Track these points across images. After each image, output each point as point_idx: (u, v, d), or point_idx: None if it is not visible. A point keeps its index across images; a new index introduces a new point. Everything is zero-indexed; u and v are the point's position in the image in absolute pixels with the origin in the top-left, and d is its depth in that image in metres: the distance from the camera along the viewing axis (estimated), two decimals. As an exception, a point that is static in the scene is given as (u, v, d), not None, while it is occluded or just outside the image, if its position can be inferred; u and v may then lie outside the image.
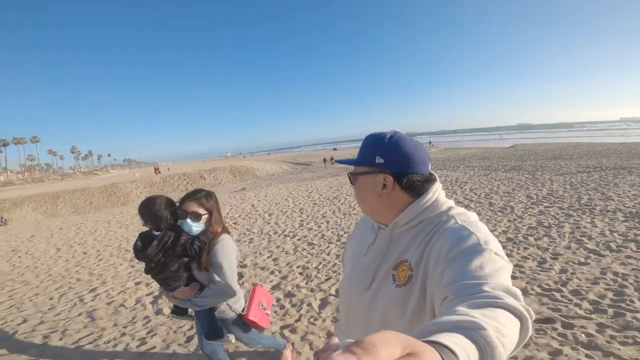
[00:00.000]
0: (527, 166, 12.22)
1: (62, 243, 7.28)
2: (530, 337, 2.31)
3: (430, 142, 55.75)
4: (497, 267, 0.59)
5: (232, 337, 1.88)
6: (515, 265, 3.45)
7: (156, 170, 41.31)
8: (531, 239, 4.20)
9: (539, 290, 2.94)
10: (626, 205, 5.30)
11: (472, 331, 0.40)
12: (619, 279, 2.97)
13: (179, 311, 1.85)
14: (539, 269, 3.35)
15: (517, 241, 4.17)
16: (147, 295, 3.86)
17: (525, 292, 2.92)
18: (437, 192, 0.80)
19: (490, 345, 0.39)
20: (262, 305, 1.94)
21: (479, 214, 5.48)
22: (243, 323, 1.86)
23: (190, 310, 1.83)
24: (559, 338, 2.30)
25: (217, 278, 1.63)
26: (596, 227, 4.39)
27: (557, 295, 2.83)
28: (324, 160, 37.04)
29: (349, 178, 0.87)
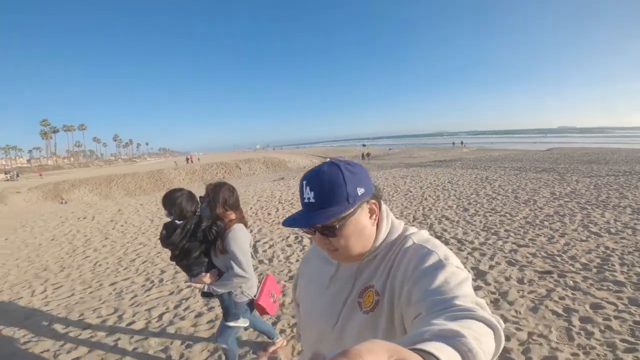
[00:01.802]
0: (559, 169, 12.61)
1: (152, 215, 8.72)
2: (533, 281, 3.30)
3: (462, 143, 55.02)
4: (460, 279, 0.62)
5: (246, 322, 2.07)
6: (529, 239, 4.40)
7: (188, 160, 43.94)
8: (546, 223, 5.10)
9: (544, 254, 3.90)
10: (638, 203, 5.99)
11: (454, 339, 0.41)
12: (608, 251, 3.86)
13: (206, 294, 2.03)
14: (548, 242, 4.28)
15: (534, 224, 5.09)
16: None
17: (534, 256, 3.88)
18: (390, 214, 0.82)
19: (472, 352, 0.40)
20: (271, 294, 2.15)
21: (504, 205, 6.40)
22: (251, 307, 2.06)
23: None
24: (554, 282, 3.27)
25: (232, 264, 1.85)
26: (604, 217, 5.20)
27: (558, 258, 3.77)
28: (362, 156, 37.82)
29: (328, 233, 0.74)
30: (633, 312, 2.68)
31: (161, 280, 4.07)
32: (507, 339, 2.46)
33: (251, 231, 5.89)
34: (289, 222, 0.74)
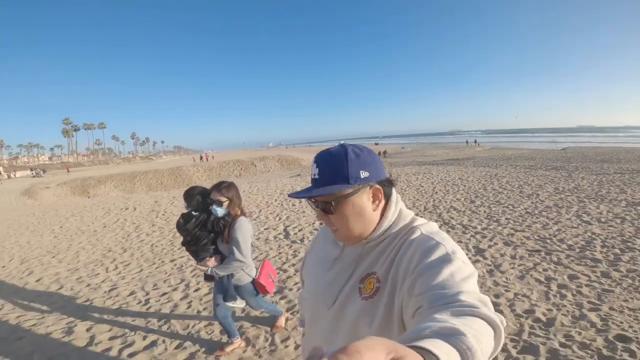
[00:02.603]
0: (569, 167, 12.96)
1: (173, 212, 9.61)
2: (524, 257, 3.94)
3: (475, 141, 54.80)
4: (465, 275, 0.62)
5: (242, 303, 2.40)
6: (526, 226, 5.05)
7: (202, 158, 45.59)
8: (544, 213, 5.73)
9: (537, 238, 4.55)
10: (635, 197, 6.51)
11: (453, 337, 0.42)
12: (594, 236, 4.48)
13: (208, 277, 2.38)
14: (542, 228, 4.93)
15: (533, 214, 5.72)
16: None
17: (527, 238, 4.53)
18: (399, 203, 0.83)
19: (471, 350, 0.40)
20: (269, 275, 2.50)
21: (508, 198, 7.01)
22: (254, 287, 2.40)
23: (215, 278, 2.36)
24: (541, 258, 3.91)
25: (234, 249, 2.17)
26: (598, 209, 5.78)
27: (548, 241, 4.41)
28: (379, 154, 38.14)
29: (325, 209, 0.78)
30: (603, 282, 3.30)
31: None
32: (497, 297, 3.14)
33: (279, 219, 6.68)
34: (294, 194, 0.77)
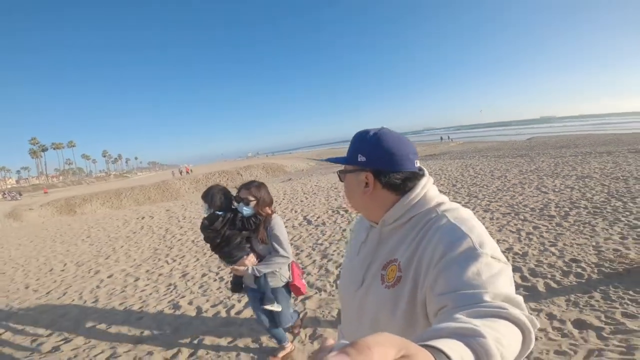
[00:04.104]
0: (532, 154, 14.74)
1: (199, 212, 10.47)
2: (499, 218, 5.20)
3: (449, 137, 57.61)
4: (494, 272, 0.58)
5: (279, 308, 2.22)
6: (498, 198, 6.40)
7: (181, 172, 45.94)
8: (511, 189, 7.16)
9: (507, 205, 5.89)
10: (583, 173, 8.05)
11: (471, 338, 0.40)
12: (549, 201, 5.85)
13: (236, 287, 2.25)
14: (510, 199, 6.30)
15: (503, 190, 7.16)
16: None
17: (500, 206, 5.82)
18: (425, 188, 0.79)
19: (488, 354, 0.39)
20: (301, 276, 2.45)
21: (482, 181, 8.41)
22: (288, 290, 2.31)
23: (244, 286, 2.26)
24: (512, 217, 5.18)
25: (276, 246, 2.10)
26: (554, 183, 7.24)
27: (515, 206, 5.74)
28: None
29: (339, 176, 0.90)
30: (557, 229, 4.54)
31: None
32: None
33: (295, 212, 7.74)
34: (331, 159, 0.93)
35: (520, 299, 0.55)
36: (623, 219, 4.54)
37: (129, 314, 3.75)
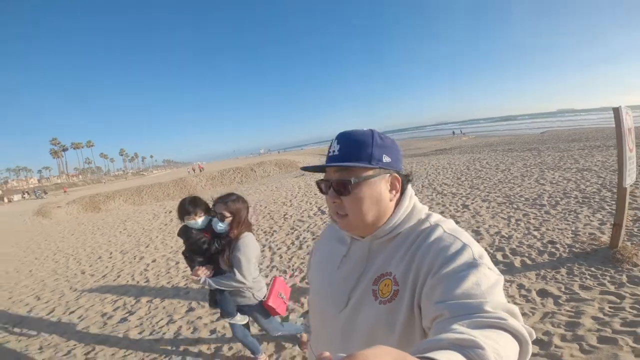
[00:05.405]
0: (542, 148, 14.96)
1: None
2: (495, 207, 5.78)
3: (461, 131, 57.25)
4: (491, 283, 0.59)
5: (241, 318, 2.19)
6: (498, 190, 6.96)
7: (194, 169, 47.55)
8: (512, 180, 7.70)
9: (504, 195, 6.44)
10: (585, 166, 8.48)
11: (470, 350, 0.40)
12: (544, 192, 6.38)
13: (213, 302, 2.18)
14: (509, 190, 6.85)
15: (504, 182, 7.69)
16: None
17: (498, 197, 6.38)
18: (413, 197, 0.80)
19: None
20: (280, 295, 2.25)
21: (486, 174, 8.94)
22: (263, 309, 2.17)
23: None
24: (506, 206, 5.74)
25: (235, 270, 1.97)
26: (553, 175, 7.73)
27: (512, 197, 6.29)
28: None
29: (342, 188, 0.74)
30: (544, 216, 5.08)
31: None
32: (478, 228, 4.93)
33: (310, 204, 8.43)
34: (309, 167, 0.78)
35: (516, 309, 0.55)
36: (607, 207, 5.06)
37: (177, 290, 4.52)
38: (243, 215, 2.04)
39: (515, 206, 5.74)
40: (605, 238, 3.94)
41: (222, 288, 2.04)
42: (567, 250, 3.81)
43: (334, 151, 0.75)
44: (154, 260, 6.08)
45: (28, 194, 57.13)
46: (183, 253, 2.15)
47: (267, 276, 4.45)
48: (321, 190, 0.81)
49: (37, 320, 4.20)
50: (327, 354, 0.31)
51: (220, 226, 1.97)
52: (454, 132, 56.88)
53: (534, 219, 5.04)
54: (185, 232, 2.06)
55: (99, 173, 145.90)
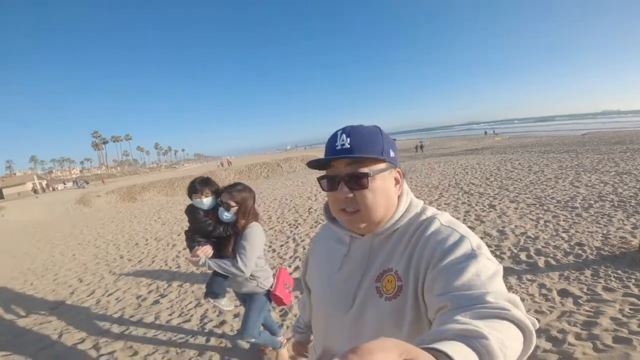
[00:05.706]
0: (581, 150, 14.20)
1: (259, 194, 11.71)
2: (523, 208, 5.64)
3: (494, 131, 55.23)
4: (491, 273, 0.59)
5: (230, 305, 2.19)
6: (528, 191, 6.77)
7: (222, 164, 48.98)
8: (545, 182, 7.44)
9: (534, 197, 6.26)
10: (624, 169, 8.05)
11: (474, 340, 0.40)
12: (578, 194, 6.15)
13: (210, 294, 2.15)
14: (540, 192, 6.64)
15: (535, 184, 7.46)
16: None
17: (528, 198, 6.21)
18: (410, 192, 0.80)
19: (492, 355, 0.39)
20: (286, 285, 2.25)
21: (517, 175, 8.71)
22: (269, 299, 2.16)
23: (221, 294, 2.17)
24: (535, 208, 5.58)
25: (237, 257, 1.94)
26: (590, 178, 7.40)
27: (542, 199, 6.10)
28: (416, 149, 38.29)
29: (359, 182, 0.71)
30: (575, 219, 4.91)
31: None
32: (504, 228, 4.86)
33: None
34: (314, 161, 0.72)
35: (517, 298, 0.54)
36: (643, 211, 4.83)
37: (205, 276, 4.74)
38: (249, 205, 2.01)
39: (546, 208, 5.59)
40: (636, 242, 3.80)
41: (220, 271, 1.98)
42: (594, 253, 3.71)
43: (342, 144, 0.71)
44: (185, 248, 6.42)
45: (71, 183, 60.82)
46: (186, 232, 2.12)
47: (290, 266, 4.62)
48: (325, 188, 0.76)
49: (79, 300, 4.58)
50: (330, 346, 0.32)
51: (226, 215, 1.96)
52: (485, 132, 55.02)
53: (563, 221, 4.89)
54: (191, 212, 2.06)
55: (136, 165, 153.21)
